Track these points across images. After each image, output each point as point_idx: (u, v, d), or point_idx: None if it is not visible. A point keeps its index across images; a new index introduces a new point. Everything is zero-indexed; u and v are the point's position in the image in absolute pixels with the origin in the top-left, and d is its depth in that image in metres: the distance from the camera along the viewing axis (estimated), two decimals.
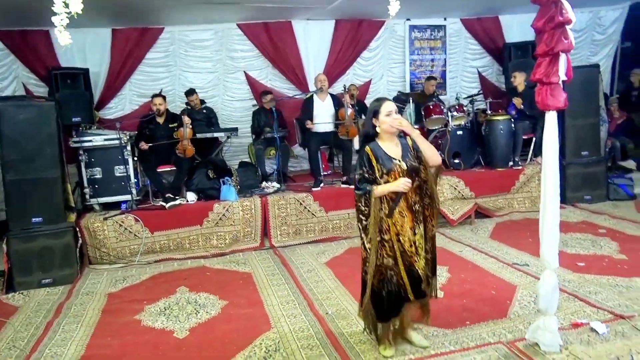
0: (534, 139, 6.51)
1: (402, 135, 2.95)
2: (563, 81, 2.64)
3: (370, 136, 2.86)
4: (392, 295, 2.81)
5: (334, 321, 3.43)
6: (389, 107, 2.81)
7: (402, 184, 2.70)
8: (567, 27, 2.58)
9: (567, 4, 2.55)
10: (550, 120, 2.71)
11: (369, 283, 2.82)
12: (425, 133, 6.59)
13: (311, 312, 3.62)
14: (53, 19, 2.31)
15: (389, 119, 2.78)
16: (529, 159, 6.54)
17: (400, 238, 2.78)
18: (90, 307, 4.00)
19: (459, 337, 3.07)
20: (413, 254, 2.81)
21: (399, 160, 2.79)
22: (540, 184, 6.13)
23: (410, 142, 2.88)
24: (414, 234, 2.81)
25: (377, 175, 2.77)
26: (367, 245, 2.79)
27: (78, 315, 3.84)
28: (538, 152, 6.58)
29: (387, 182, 2.75)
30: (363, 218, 2.77)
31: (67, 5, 2.27)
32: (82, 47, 6.43)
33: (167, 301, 4.02)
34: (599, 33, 8.31)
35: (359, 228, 2.83)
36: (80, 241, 4.87)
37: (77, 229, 4.87)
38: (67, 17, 2.32)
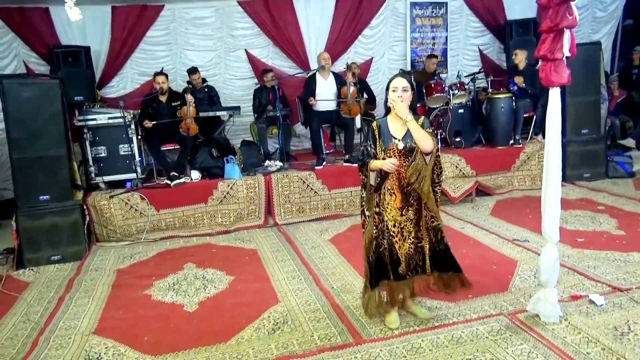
0: (534, 116, 6.55)
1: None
2: (567, 57, 2.68)
3: (387, 109, 2.92)
4: (376, 264, 2.92)
5: (340, 295, 3.52)
6: (395, 83, 2.84)
7: (388, 163, 2.77)
8: (572, 3, 2.60)
9: None
10: (554, 97, 2.76)
11: (365, 248, 2.97)
12: (427, 111, 6.62)
13: (317, 287, 3.71)
14: None
15: (394, 95, 2.82)
16: (529, 137, 6.59)
17: (385, 216, 2.87)
18: (101, 283, 4.09)
19: (462, 310, 3.16)
20: (395, 234, 2.88)
21: (398, 140, 2.84)
22: (540, 162, 6.33)
23: (421, 122, 2.84)
24: (401, 214, 2.87)
25: (378, 150, 2.85)
26: (367, 213, 2.95)
27: (89, 290, 3.93)
28: (538, 130, 6.64)
29: (384, 158, 2.83)
30: (363, 189, 2.97)
31: None
32: (81, 24, 6.32)
33: (176, 277, 4.10)
34: (600, 10, 8.28)
35: (361, 197, 3.01)
36: (87, 219, 4.93)
37: (85, 207, 4.93)
38: None
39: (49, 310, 3.58)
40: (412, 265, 2.94)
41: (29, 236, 4.57)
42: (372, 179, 2.92)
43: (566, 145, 6.23)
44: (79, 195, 4.95)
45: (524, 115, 6.47)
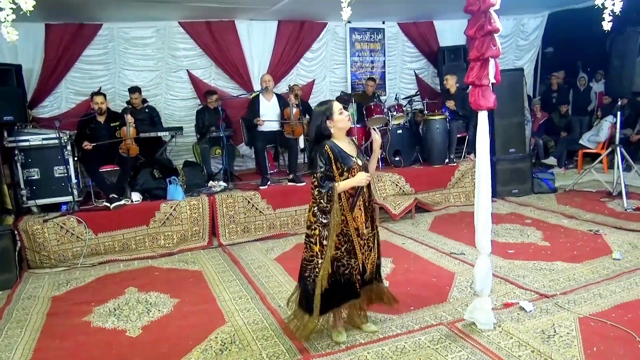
0: (467, 137, 6.96)
1: (348, 133, 3.11)
2: (492, 83, 2.93)
3: (324, 136, 2.94)
4: (340, 287, 2.96)
5: (287, 313, 3.55)
6: (338, 105, 2.99)
7: (364, 178, 2.88)
8: (495, 35, 2.87)
9: (495, 14, 2.84)
10: (482, 120, 3.00)
11: (321, 277, 2.90)
12: (367, 132, 6.86)
13: (264, 306, 3.73)
14: None
15: (344, 116, 2.95)
16: (462, 156, 6.99)
17: (360, 232, 2.97)
18: (34, 311, 3.88)
19: (405, 321, 3.30)
20: (364, 247, 3.00)
21: (356, 157, 2.97)
22: (473, 179, 6.70)
23: (354, 140, 3.11)
24: (366, 227, 3.00)
25: (336, 173, 2.87)
26: (324, 242, 2.87)
27: (21, 320, 3.72)
28: (471, 149, 7.06)
29: (346, 179, 2.88)
30: (323, 216, 2.85)
31: (13, 1, 2.21)
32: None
33: (116, 302, 3.97)
34: (522, 39, 8.99)
35: (313, 225, 2.89)
36: (19, 245, 4.68)
37: (15, 232, 4.67)
38: (12, 12, 2.26)
39: None
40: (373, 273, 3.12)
41: None
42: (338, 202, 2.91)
43: (496, 163, 6.67)
44: (9, 220, 4.70)
45: (458, 136, 6.87)
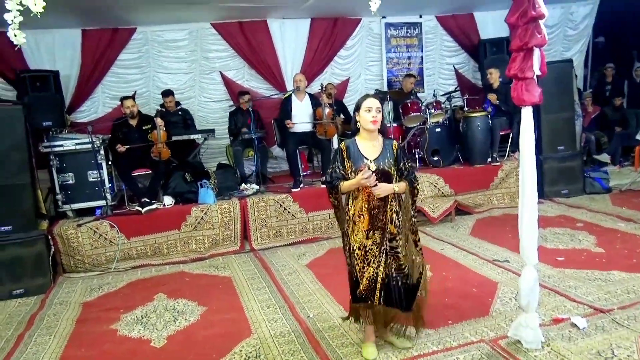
0: (510, 134, 6.56)
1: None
2: (537, 76, 2.64)
3: (354, 131, 2.86)
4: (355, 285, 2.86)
5: (316, 324, 3.38)
6: (370, 103, 2.77)
7: (361, 179, 2.65)
8: (540, 21, 2.58)
9: None
10: (527, 116, 2.71)
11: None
12: (404, 131, 6.59)
13: (292, 316, 3.56)
14: (5, 16, 2.18)
15: (368, 116, 2.74)
16: (506, 155, 6.59)
17: (351, 238, 2.77)
18: (64, 318, 3.87)
19: (442, 337, 3.04)
20: (358, 257, 2.77)
21: (370, 161, 2.76)
22: (518, 179, 6.31)
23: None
24: (367, 238, 2.76)
25: (348, 171, 2.77)
26: (346, 238, 2.87)
27: (51, 327, 3.71)
28: (515, 147, 6.64)
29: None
30: (335, 210, 2.94)
31: (20, 3, 2.14)
32: (50, 48, 6.27)
33: (145, 309, 3.91)
34: (571, 28, 8.43)
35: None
36: (53, 249, 4.72)
37: (50, 237, 4.72)
38: (19, 14, 2.18)
39: (6, 351, 3.35)
40: (374, 290, 2.80)
41: None
42: (344, 200, 2.84)
43: (543, 161, 6.26)
44: (44, 225, 4.74)
45: (501, 133, 6.48)
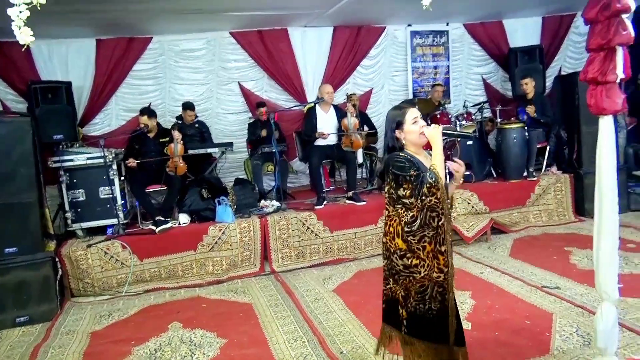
0: (547, 147, 6.14)
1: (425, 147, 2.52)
2: (621, 79, 2.25)
3: (394, 148, 2.40)
4: (436, 318, 2.30)
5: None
6: (415, 113, 2.39)
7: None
8: (624, 16, 2.19)
9: None
10: (606, 126, 2.32)
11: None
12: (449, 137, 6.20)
13: (323, 352, 3.17)
14: (9, 11, 1.87)
15: (417, 127, 2.35)
16: (543, 169, 6.16)
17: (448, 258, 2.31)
18: (71, 350, 3.52)
19: None
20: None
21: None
22: (556, 195, 5.89)
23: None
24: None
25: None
26: (423, 254, 2.25)
27: None
28: (552, 161, 6.23)
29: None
30: (434, 215, 2.21)
31: None
32: (64, 59, 6.00)
33: (158, 341, 3.55)
34: None
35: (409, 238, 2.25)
36: (60, 272, 4.39)
37: (57, 259, 4.39)
38: (27, 8, 1.87)
39: None
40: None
41: None
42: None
43: (584, 177, 5.85)
44: (51, 245, 4.42)
45: (537, 146, 6.05)
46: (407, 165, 2.24)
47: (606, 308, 2.41)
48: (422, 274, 2.26)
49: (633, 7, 2.16)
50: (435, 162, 2.23)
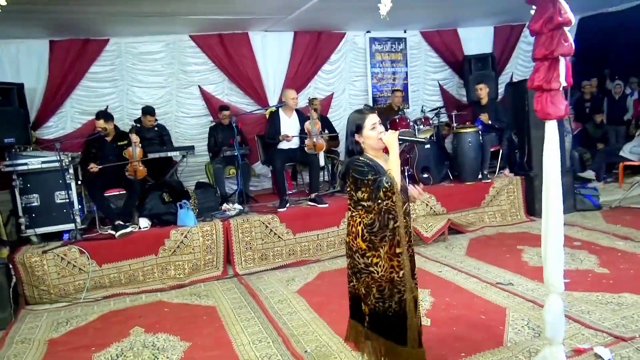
0: (500, 150, 6.43)
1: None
2: (563, 87, 2.43)
3: (354, 152, 2.49)
4: (395, 317, 2.40)
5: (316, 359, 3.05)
6: (374, 119, 2.49)
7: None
8: (566, 28, 2.38)
9: (565, 4, 2.35)
10: (551, 130, 2.49)
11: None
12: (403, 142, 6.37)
13: (288, 351, 3.22)
14: None
15: (374, 133, 2.45)
16: (496, 172, 6.44)
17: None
18: (27, 359, 3.40)
19: None
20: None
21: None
22: (509, 197, 6.16)
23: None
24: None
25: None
26: (382, 253, 2.36)
27: None
28: (505, 164, 6.52)
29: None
30: (391, 217, 2.34)
31: None
32: (14, 59, 5.80)
33: (119, 346, 3.49)
34: None
35: (371, 238, 2.35)
36: (14, 279, 4.24)
37: (11, 266, 4.24)
38: None
39: None
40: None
41: None
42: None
43: (533, 179, 6.14)
44: (4, 252, 4.28)
45: (491, 150, 6.33)
46: (365, 170, 2.34)
47: (553, 300, 2.58)
48: (380, 274, 2.36)
49: (573, 20, 2.34)
50: (392, 166, 2.34)
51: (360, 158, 2.40)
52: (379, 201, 2.30)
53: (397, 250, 2.37)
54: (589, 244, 4.98)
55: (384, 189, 2.28)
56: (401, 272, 2.38)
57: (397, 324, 2.39)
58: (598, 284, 3.95)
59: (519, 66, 8.25)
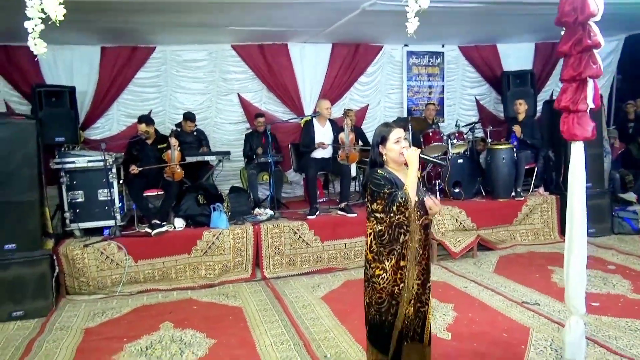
0: (535, 169, 6.34)
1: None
2: (590, 109, 2.44)
3: (377, 165, 2.56)
4: (388, 329, 2.47)
5: None
6: (399, 133, 2.55)
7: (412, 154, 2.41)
8: (595, 51, 2.39)
9: (595, 26, 2.37)
10: (577, 152, 2.51)
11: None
12: (424, 161, 6.37)
13: (308, 355, 3.31)
14: (26, 24, 2.04)
15: (397, 147, 2.52)
16: (530, 190, 6.34)
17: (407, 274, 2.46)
18: (64, 345, 3.63)
19: None
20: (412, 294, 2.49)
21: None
22: (543, 216, 6.06)
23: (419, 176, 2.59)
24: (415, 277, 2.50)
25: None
26: (387, 266, 2.42)
27: (50, 355, 3.47)
28: (540, 182, 6.42)
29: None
30: (402, 232, 2.40)
31: (42, 10, 2.00)
32: (69, 64, 6.18)
33: (149, 339, 3.67)
34: None
35: (379, 250, 2.42)
36: (57, 270, 4.51)
37: (54, 257, 4.52)
38: (41, 22, 2.04)
39: None
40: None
41: None
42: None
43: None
44: (50, 244, 4.54)
45: (525, 167, 6.25)
46: (382, 183, 2.40)
47: (574, 321, 2.58)
48: (381, 285, 2.42)
49: (603, 43, 2.36)
50: (408, 182, 2.40)
51: (379, 171, 2.47)
52: (392, 214, 2.36)
53: (402, 264, 2.42)
54: (624, 268, 4.86)
55: (397, 204, 2.35)
56: (401, 285, 2.43)
57: (390, 337, 2.45)
58: (629, 310, 3.85)
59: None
